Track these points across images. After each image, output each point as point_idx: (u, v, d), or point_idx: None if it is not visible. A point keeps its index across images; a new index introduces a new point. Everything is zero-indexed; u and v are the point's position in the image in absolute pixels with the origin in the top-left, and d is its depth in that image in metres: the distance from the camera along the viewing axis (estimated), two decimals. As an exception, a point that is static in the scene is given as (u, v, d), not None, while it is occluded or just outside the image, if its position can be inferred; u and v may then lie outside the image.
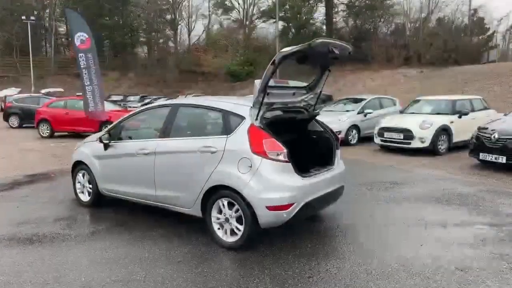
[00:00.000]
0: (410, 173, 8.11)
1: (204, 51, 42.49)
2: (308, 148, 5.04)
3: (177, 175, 4.51)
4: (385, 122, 11.14)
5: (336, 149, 4.86)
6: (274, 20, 31.68)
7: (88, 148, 5.69)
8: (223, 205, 4.14)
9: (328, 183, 4.48)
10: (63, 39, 53.75)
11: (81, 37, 11.53)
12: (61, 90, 39.59)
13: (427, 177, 7.68)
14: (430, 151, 10.13)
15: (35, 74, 42.72)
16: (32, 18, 42.21)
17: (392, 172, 8.19)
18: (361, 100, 13.74)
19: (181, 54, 49.25)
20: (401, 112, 12.21)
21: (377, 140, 11.20)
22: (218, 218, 4.21)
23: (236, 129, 4.15)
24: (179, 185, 4.50)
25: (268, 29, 47.82)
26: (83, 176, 5.78)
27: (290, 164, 3.99)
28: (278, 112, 4.53)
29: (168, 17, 49.84)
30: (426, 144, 10.08)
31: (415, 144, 10.21)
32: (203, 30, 50.89)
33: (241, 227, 4.03)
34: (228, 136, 4.18)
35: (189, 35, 51.40)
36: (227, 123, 4.27)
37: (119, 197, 5.32)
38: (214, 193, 4.19)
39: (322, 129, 5.01)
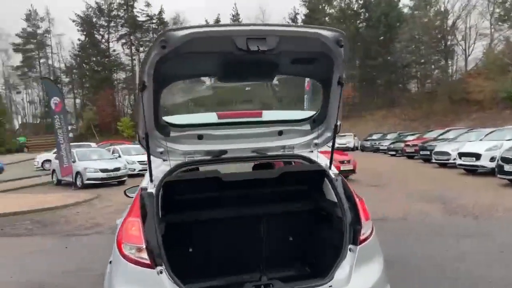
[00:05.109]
0: None
1: (475, 76, 35.52)
2: (297, 238, 2.71)
3: None
4: None
5: (350, 244, 2.34)
6: None
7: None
8: None
9: None
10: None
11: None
12: (331, 131, 42.70)
13: None
14: None
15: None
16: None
17: None
18: None
19: (453, 83, 43.31)
20: None
21: None
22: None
23: None
24: None
25: None
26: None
27: (157, 272, 2.13)
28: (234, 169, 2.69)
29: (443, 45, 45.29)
30: None
31: None
32: (483, 52, 42.86)
33: None
34: None
35: (465, 60, 44.65)
36: None
37: None
38: None
39: (336, 200, 2.56)
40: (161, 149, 2.57)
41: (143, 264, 2.19)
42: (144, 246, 2.20)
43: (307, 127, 2.87)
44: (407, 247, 5.27)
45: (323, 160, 2.86)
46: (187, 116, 2.69)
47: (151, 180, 2.49)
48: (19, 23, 60.50)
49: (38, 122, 62.26)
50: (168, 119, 2.62)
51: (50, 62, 63.30)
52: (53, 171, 16.53)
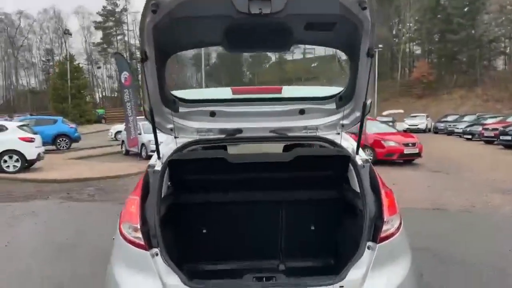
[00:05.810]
0: None
1: None
2: (320, 227, 2.43)
3: None
4: None
5: (368, 241, 2.04)
6: None
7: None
8: None
9: None
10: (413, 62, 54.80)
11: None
12: (401, 111, 40.29)
13: None
14: None
15: (382, 97, 45.73)
16: (380, 46, 45.68)
17: None
18: None
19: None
20: None
21: None
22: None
23: None
24: None
25: None
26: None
27: (151, 254, 2.02)
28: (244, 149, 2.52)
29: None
30: None
31: None
32: None
33: None
34: None
35: None
36: None
37: None
38: None
39: (358, 191, 2.25)
40: (170, 125, 2.44)
41: (137, 244, 2.08)
42: (139, 226, 2.09)
43: (332, 105, 2.56)
44: (464, 243, 4.73)
45: (351, 143, 2.54)
46: (199, 90, 2.55)
47: (159, 158, 2.39)
48: (100, 2, 64.79)
49: (115, 95, 66.86)
50: (177, 93, 2.48)
51: (126, 38, 67.20)
52: (122, 142, 17.61)
